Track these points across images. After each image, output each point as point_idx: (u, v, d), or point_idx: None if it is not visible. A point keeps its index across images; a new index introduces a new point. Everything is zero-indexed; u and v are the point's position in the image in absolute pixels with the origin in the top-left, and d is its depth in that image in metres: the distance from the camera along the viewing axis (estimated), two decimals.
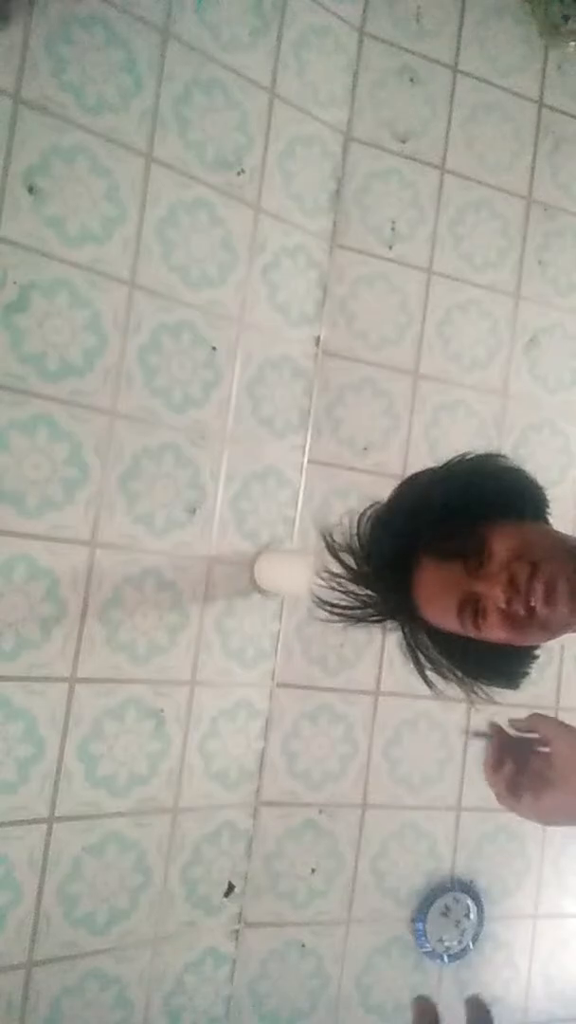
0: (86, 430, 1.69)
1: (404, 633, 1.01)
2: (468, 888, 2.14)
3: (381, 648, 2.07)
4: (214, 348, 1.86)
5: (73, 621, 1.67)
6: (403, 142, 2.12)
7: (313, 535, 2.01)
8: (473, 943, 2.14)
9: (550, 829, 2.26)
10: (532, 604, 0.86)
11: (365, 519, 0.98)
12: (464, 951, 2.13)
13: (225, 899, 1.89)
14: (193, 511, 1.83)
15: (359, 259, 2.07)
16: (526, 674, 1.04)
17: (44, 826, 1.65)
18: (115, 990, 1.75)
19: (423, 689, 2.27)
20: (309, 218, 2.00)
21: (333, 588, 0.98)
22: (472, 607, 0.90)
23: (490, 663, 1.00)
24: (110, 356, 1.71)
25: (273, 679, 1.96)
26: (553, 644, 2.54)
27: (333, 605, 0.99)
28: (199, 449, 1.84)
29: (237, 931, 1.91)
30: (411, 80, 2.13)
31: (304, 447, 2.00)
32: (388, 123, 2.11)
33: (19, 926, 1.62)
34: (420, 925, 2.07)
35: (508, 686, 1.04)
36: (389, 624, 1.01)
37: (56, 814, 1.66)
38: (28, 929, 1.63)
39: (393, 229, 2.11)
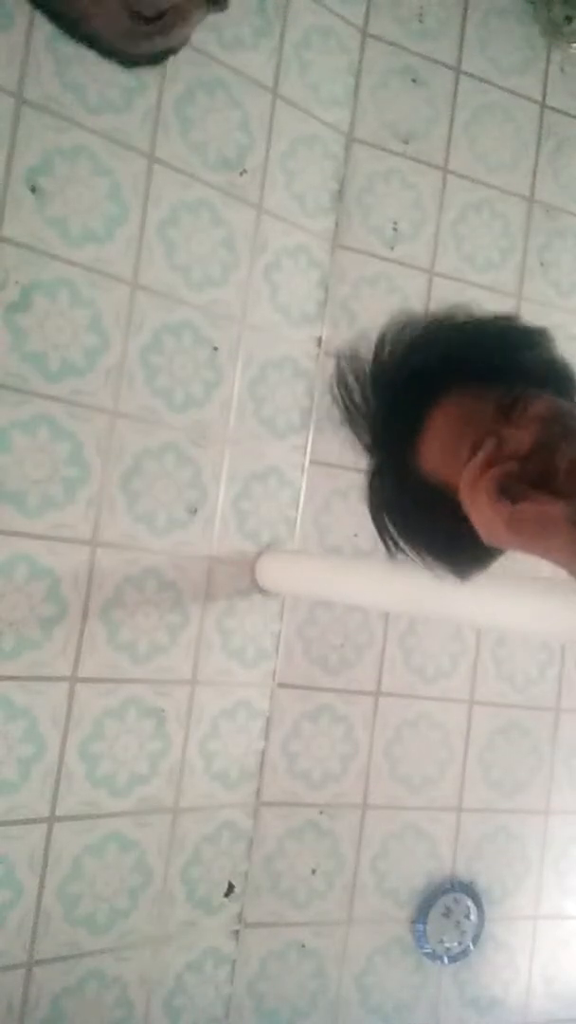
0: (87, 430, 1.69)
1: (376, 471, 0.91)
2: (468, 889, 2.14)
3: (382, 648, 2.07)
4: (215, 348, 1.86)
5: (74, 621, 1.67)
6: (405, 143, 2.12)
7: (314, 536, 2.01)
8: (473, 944, 2.14)
9: (551, 830, 2.26)
10: (557, 463, 0.76)
11: (404, 328, 0.87)
12: (464, 952, 2.13)
13: (225, 899, 1.89)
14: (194, 511, 1.83)
15: (361, 259, 2.07)
16: (482, 565, 0.89)
17: (44, 826, 1.65)
18: (115, 990, 1.75)
19: (423, 689, 2.28)
20: (311, 218, 2.00)
21: (342, 386, 0.90)
22: (476, 462, 0.79)
23: (455, 534, 0.84)
24: (111, 356, 1.72)
25: (274, 679, 1.96)
26: (555, 646, 2.54)
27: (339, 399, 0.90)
28: (200, 449, 1.84)
29: (237, 931, 1.91)
30: (413, 81, 2.13)
31: (305, 447, 2.00)
32: (390, 124, 2.11)
33: (19, 925, 1.62)
34: (420, 926, 2.07)
35: (457, 570, 0.89)
36: (364, 449, 0.91)
37: (57, 814, 1.66)
38: (28, 929, 1.63)
39: (395, 229, 2.11)
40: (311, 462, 2.00)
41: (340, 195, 2.05)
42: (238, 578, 1.89)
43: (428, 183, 2.15)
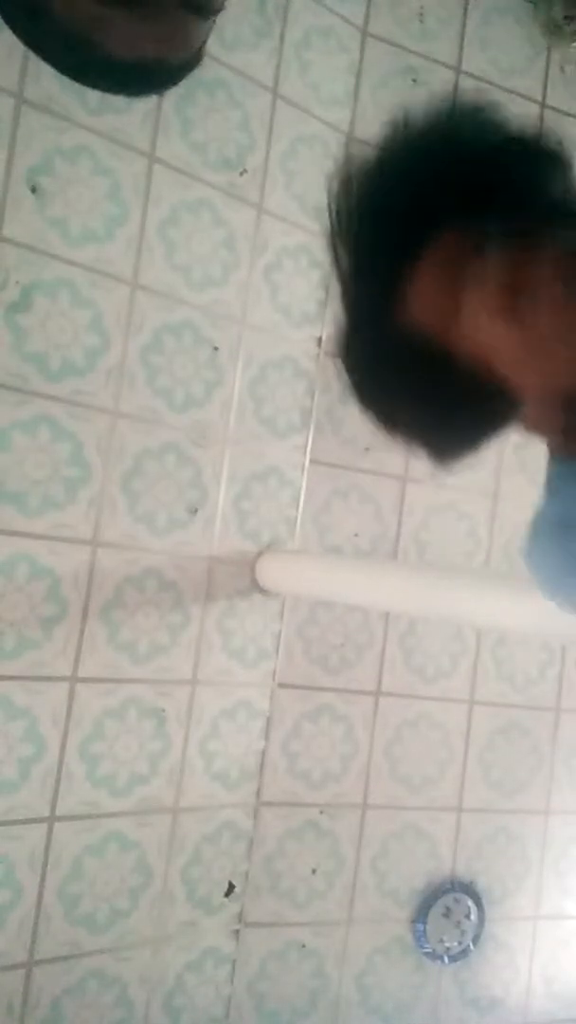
0: (88, 430, 1.69)
1: (353, 327, 0.77)
2: (469, 889, 2.14)
3: (382, 648, 2.07)
4: (216, 348, 1.86)
5: (74, 621, 1.67)
6: None
7: (314, 536, 2.01)
8: (474, 944, 2.14)
9: (551, 830, 2.26)
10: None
11: (407, 137, 0.72)
12: (465, 952, 2.13)
13: (225, 899, 1.90)
14: (194, 511, 1.83)
15: None
16: (469, 446, 0.76)
17: (45, 825, 1.65)
18: (115, 990, 1.75)
19: (423, 689, 2.27)
20: (311, 218, 2.00)
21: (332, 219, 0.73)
22: (496, 280, 0.66)
23: (443, 402, 0.72)
24: (112, 356, 1.72)
25: (274, 679, 1.96)
26: (555, 646, 2.54)
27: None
28: (201, 449, 1.84)
29: (237, 931, 1.91)
30: (414, 81, 2.13)
31: (306, 447, 2.00)
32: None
33: (20, 925, 1.62)
34: (421, 926, 2.07)
35: (442, 450, 0.77)
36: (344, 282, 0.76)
37: (57, 813, 1.66)
38: (29, 928, 1.63)
39: None
40: (311, 462, 2.00)
41: None
42: (238, 578, 1.89)
43: None
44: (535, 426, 0.74)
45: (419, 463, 2.13)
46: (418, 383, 0.72)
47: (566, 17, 2.26)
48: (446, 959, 2.11)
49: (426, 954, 2.09)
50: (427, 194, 0.69)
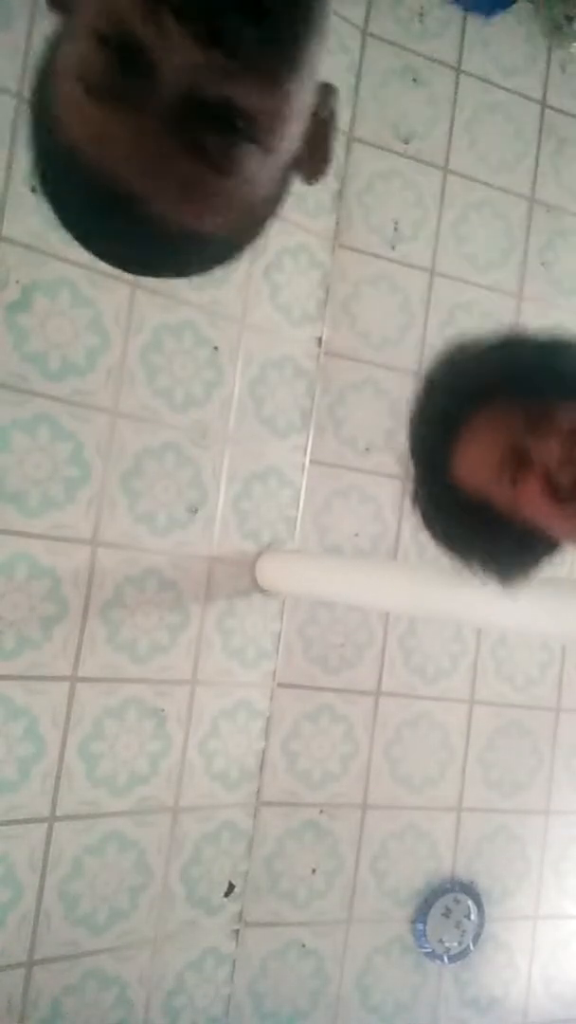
0: (88, 429, 1.69)
1: (418, 483, 0.93)
2: (469, 889, 2.14)
3: (382, 648, 2.07)
4: (216, 348, 1.86)
5: (74, 620, 1.67)
6: (406, 142, 2.12)
7: (314, 536, 2.01)
8: (473, 944, 2.14)
9: (551, 830, 2.26)
10: None
11: (454, 352, 0.91)
12: (464, 952, 2.13)
13: (225, 899, 1.90)
14: (194, 511, 1.83)
15: (361, 259, 2.07)
16: (529, 570, 0.92)
17: (45, 825, 1.65)
18: (115, 989, 1.75)
19: (424, 689, 2.27)
20: (312, 218, 2.00)
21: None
22: (516, 460, 0.82)
23: (497, 541, 0.89)
24: (112, 355, 1.72)
25: (274, 679, 1.95)
26: (555, 646, 2.53)
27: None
28: (201, 449, 1.84)
29: (237, 931, 1.91)
30: (414, 80, 2.13)
31: (306, 447, 2.00)
32: (391, 123, 2.11)
33: (20, 925, 1.62)
34: (420, 926, 2.07)
35: (504, 576, 0.92)
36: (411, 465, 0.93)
37: (57, 813, 1.66)
38: (28, 928, 1.63)
39: (396, 229, 2.11)
40: (311, 462, 2.00)
41: (341, 195, 2.04)
42: (238, 578, 1.89)
43: (429, 183, 2.15)
44: None
45: None
46: (475, 529, 0.88)
47: (566, 17, 2.26)
48: (446, 959, 2.11)
49: (426, 954, 2.09)
50: (463, 392, 0.86)
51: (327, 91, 0.53)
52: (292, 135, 0.49)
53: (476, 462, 0.85)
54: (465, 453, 0.86)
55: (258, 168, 0.47)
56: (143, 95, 0.42)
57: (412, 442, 0.92)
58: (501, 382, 0.86)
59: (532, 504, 0.82)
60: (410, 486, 0.93)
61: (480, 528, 0.87)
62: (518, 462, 0.81)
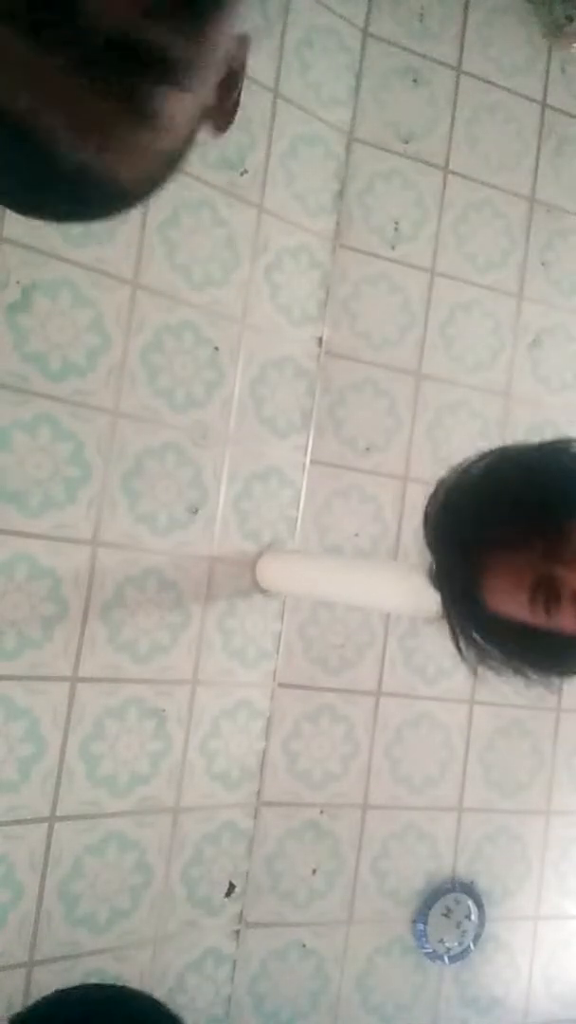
0: (88, 430, 1.69)
1: (456, 617, 0.95)
2: (469, 889, 2.14)
3: (383, 648, 2.07)
4: (216, 348, 1.86)
5: (75, 620, 1.67)
6: (406, 142, 2.12)
7: (314, 536, 2.01)
8: (474, 944, 2.14)
9: (551, 830, 2.26)
10: None
11: (441, 493, 0.92)
12: (465, 952, 2.13)
13: (226, 899, 1.89)
14: (195, 511, 1.83)
15: (362, 259, 2.07)
16: (566, 674, 0.96)
17: (45, 825, 1.65)
18: None
19: (424, 690, 2.27)
20: (312, 218, 2.00)
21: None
22: (546, 590, 0.84)
23: (555, 651, 0.91)
24: (112, 356, 1.72)
25: (274, 679, 1.95)
26: None
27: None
28: (201, 449, 1.84)
29: (238, 931, 1.91)
30: (414, 81, 2.13)
31: (306, 447, 2.00)
32: (391, 123, 2.11)
33: (20, 925, 1.62)
34: (421, 926, 2.07)
35: (563, 673, 0.95)
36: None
37: (57, 813, 1.66)
38: (29, 928, 1.63)
39: (396, 229, 2.11)
40: (311, 462, 2.00)
41: (341, 195, 2.05)
42: (239, 578, 1.89)
43: (429, 183, 2.15)
44: None
45: (419, 463, 2.12)
46: (518, 644, 0.90)
47: (567, 17, 2.26)
48: (446, 959, 2.11)
49: (426, 954, 2.09)
50: (477, 515, 0.88)
51: (242, 41, 0.53)
52: (210, 83, 0.48)
53: (507, 597, 0.87)
54: (494, 589, 0.87)
55: (177, 115, 0.46)
56: (64, 33, 0.39)
57: (436, 567, 0.92)
58: (509, 508, 0.87)
59: (572, 624, 0.84)
60: (441, 607, 0.94)
61: (527, 641, 0.89)
62: (548, 593, 0.83)
